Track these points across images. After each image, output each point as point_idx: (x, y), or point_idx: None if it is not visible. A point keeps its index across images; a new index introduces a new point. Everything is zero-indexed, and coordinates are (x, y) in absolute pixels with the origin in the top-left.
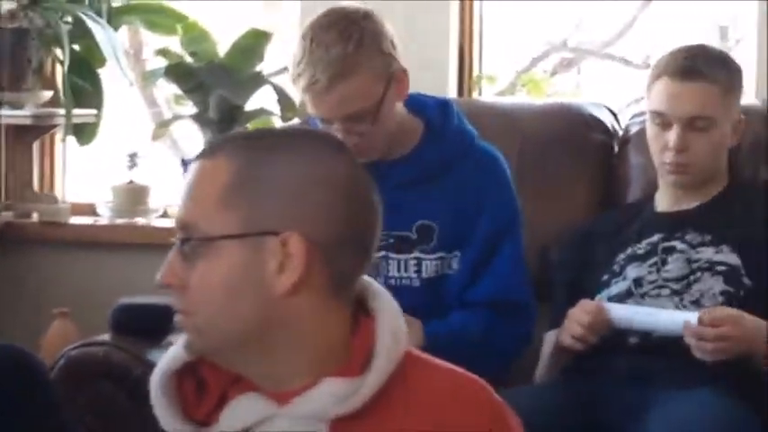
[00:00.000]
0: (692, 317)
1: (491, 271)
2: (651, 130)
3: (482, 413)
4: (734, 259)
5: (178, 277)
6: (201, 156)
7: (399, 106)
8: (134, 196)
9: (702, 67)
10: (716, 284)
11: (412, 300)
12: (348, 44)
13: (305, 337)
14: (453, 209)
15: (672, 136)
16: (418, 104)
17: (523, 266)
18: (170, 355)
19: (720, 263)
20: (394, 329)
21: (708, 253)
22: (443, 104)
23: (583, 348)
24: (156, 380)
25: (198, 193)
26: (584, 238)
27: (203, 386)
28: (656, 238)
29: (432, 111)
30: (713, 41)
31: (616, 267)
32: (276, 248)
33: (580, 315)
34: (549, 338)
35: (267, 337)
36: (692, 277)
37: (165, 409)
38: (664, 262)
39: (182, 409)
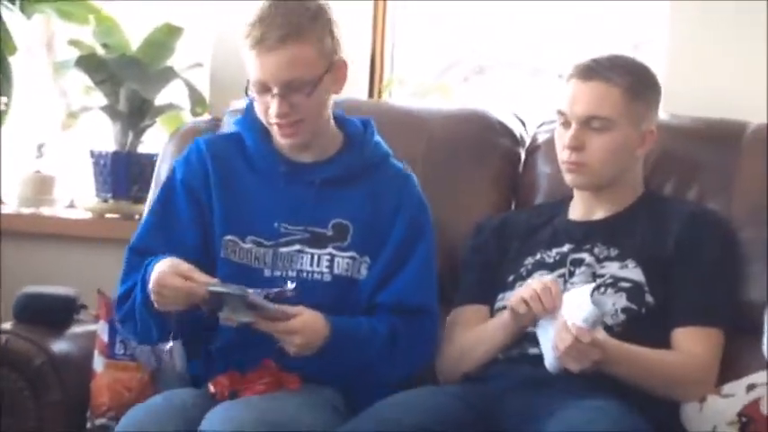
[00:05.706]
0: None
1: (401, 276)
2: (557, 131)
3: None
4: (638, 275)
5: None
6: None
7: (330, 105)
8: (40, 186)
9: (602, 69)
10: (619, 301)
11: (322, 295)
12: (306, 13)
13: None
14: (369, 213)
15: (569, 134)
16: (342, 119)
17: (432, 274)
18: None
19: (624, 279)
20: None
21: (613, 268)
22: (365, 122)
23: (523, 311)
24: None
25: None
26: (500, 228)
27: None
28: (566, 248)
29: (354, 125)
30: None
31: (523, 271)
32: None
33: (542, 288)
34: None
35: None
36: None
37: None
38: (571, 274)
39: None
